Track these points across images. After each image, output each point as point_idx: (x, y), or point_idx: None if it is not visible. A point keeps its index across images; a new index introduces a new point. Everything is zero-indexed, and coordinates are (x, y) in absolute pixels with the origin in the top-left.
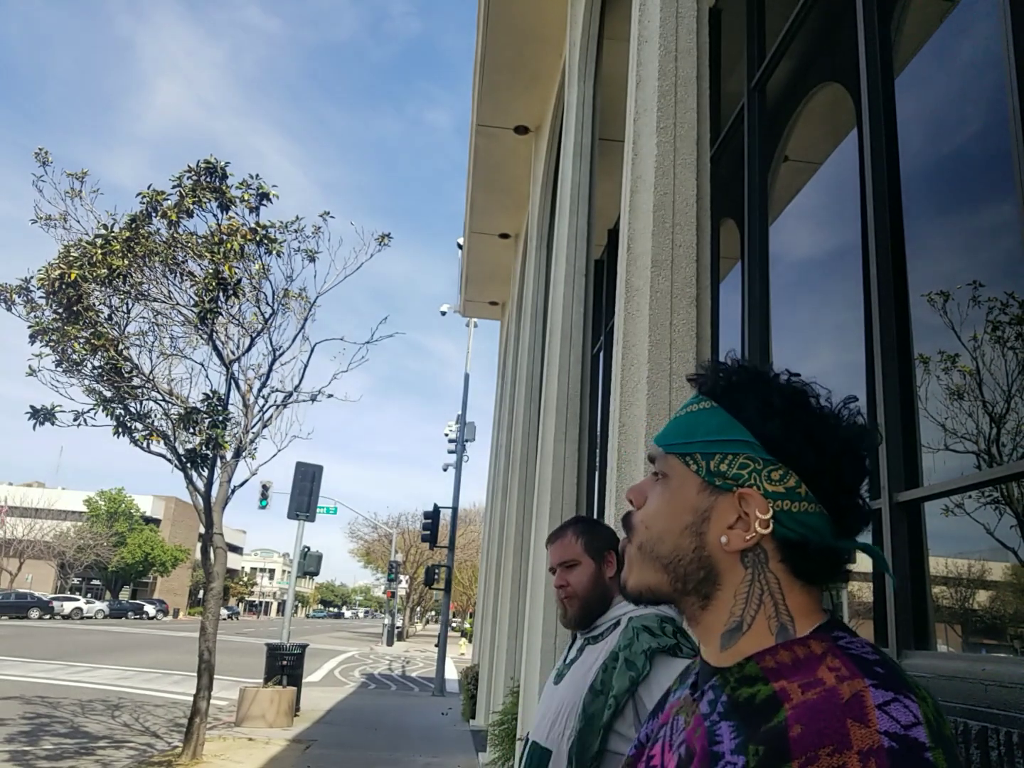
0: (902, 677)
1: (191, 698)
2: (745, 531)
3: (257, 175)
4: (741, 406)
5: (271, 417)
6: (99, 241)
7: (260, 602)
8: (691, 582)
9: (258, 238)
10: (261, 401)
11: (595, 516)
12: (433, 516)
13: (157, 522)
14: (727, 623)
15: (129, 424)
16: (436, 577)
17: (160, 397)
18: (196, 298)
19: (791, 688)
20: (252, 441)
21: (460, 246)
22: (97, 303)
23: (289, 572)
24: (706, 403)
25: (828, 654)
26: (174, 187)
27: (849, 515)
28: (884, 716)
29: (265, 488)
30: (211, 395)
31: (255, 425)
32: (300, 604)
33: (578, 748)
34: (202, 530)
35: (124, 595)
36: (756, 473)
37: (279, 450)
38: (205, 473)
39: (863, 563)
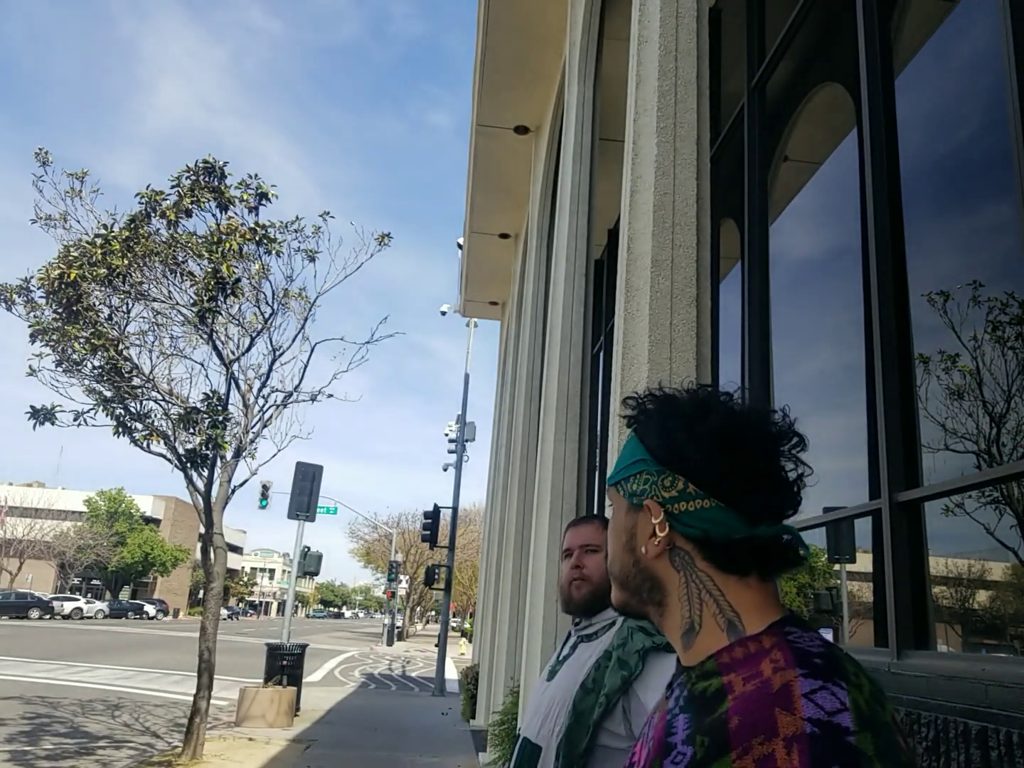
0: (837, 667)
1: (191, 698)
2: (652, 538)
3: (256, 175)
4: (643, 430)
5: (271, 417)
6: (99, 241)
7: (260, 602)
8: (643, 592)
9: (257, 238)
10: (261, 401)
11: None
12: (433, 516)
13: (157, 522)
14: (682, 625)
15: (129, 424)
16: (436, 577)
17: (160, 397)
18: (195, 298)
19: (735, 680)
20: (252, 441)
21: (460, 246)
22: (97, 303)
23: (289, 572)
24: (628, 434)
25: (775, 648)
26: (173, 187)
27: (751, 505)
28: (809, 704)
29: (265, 488)
30: (211, 395)
31: (255, 425)
32: (300, 604)
33: (566, 745)
34: (202, 530)
35: (124, 595)
36: (653, 484)
37: (279, 450)
38: (205, 473)
39: (863, 563)
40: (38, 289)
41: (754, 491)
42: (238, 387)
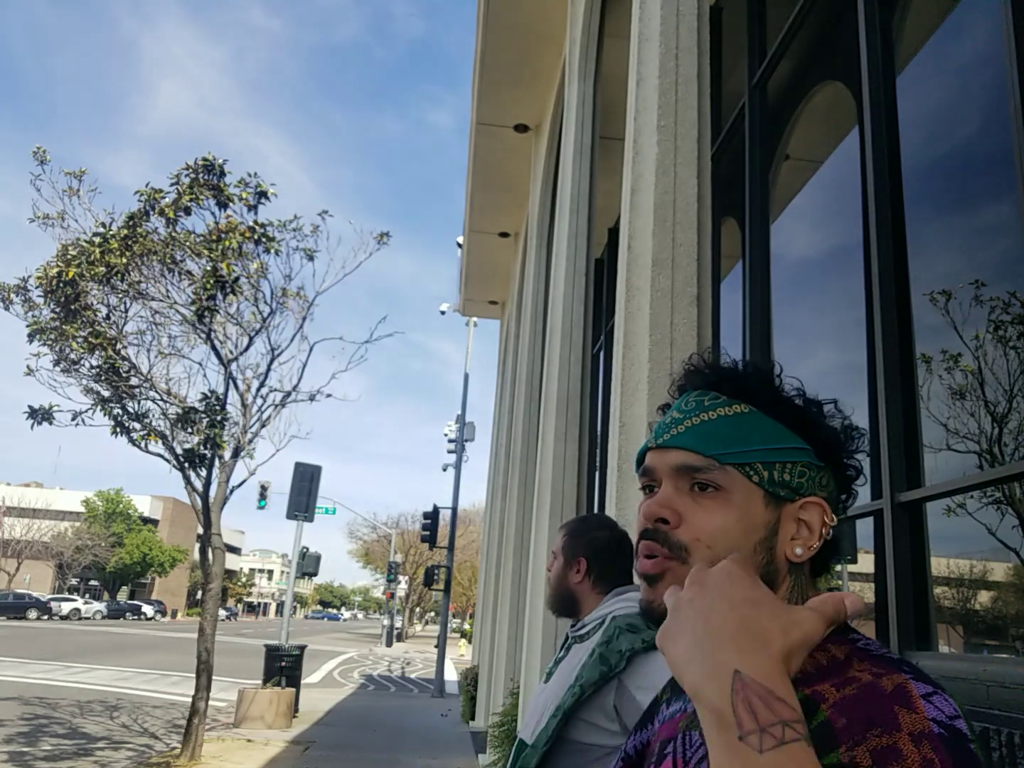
0: (928, 675)
1: (189, 699)
2: (809, 539)
3: (255, 173)
4: (782, 411)
5: (269, 417)
6: (97, 240)
7: (259, 603)
8: None
9: (256, 236)
10: (259, 401)
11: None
12: (433, 516)
13: (155, 522)
14: None
15: (127, 424)
16: (435, 578)
17: (158, 397)
18: (194, 296)
19: (824, 690)
20: (250, 441)
21: (460, 245)
22: (95, 302)
23: (288, 573)
24: (741, 407)
25: (853, 658)
26: (172, 185)
27: (845, 511)
28: (930, 706)
29: (264, 488)
30: (209, 395)
31: (253, 425)
32: (299, 605)
33: (537, 737)
34: (200, 530)
35: (122, 596)
36: (812, 480)
37: (277, 450)
38: (203, 473)
39: (864, 563)
40: (36, 288)
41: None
42: (236, 387)
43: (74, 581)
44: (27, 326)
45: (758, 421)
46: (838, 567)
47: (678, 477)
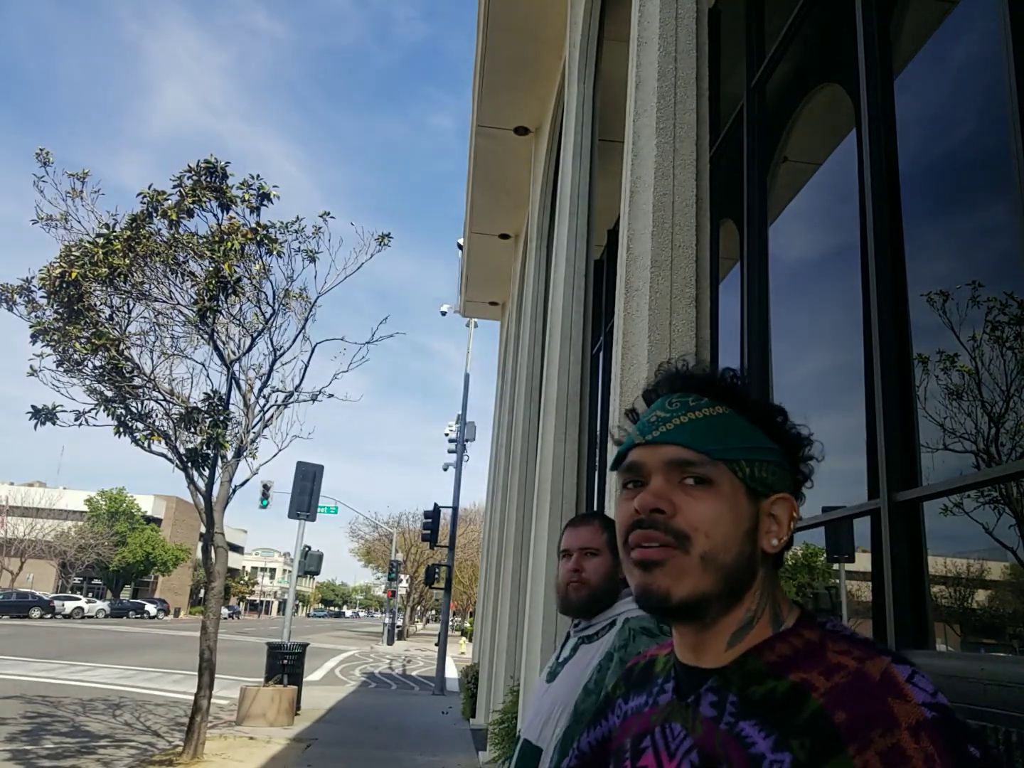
0: (896, 651)
1: (192, 697)
2: (779, 532)
3: (258, 175)
4: (754, 413)
5: (272, 417)
6: (100, 240)
7: (261, 601)
8: (739, 586)
9: (258, 238)
10: (262, 401)
11: None
12: (433, 515)
13: (158, 521)
14: (741, 621)
15: (130, 424)
16: (436, 576)
17: (161, 397)
18: (196, 297)
19: (812, 677)
20: (253, 441)
21: (460, 246)
22: (98, 303)
23: (290, 571)
24: (721, 408)
25: (826, 639)
26: (175, 187)
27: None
28: (915, 689)
29: (266, 488)
30: (212, 395)
31: (256, 425)
32: (301, 603)
33: (562, 744)
34: (203, 529)
35: (125, 594)
36: (780, 479)
37: (280, 449)
38: (206, 473)
39: (862, 562)
40: (39, 289)
41: None
42: (239, 387)
43: (77, 580)
44: (31, 327)
45: (738, 422)
46: (835, 566)
47: (669, 471)
